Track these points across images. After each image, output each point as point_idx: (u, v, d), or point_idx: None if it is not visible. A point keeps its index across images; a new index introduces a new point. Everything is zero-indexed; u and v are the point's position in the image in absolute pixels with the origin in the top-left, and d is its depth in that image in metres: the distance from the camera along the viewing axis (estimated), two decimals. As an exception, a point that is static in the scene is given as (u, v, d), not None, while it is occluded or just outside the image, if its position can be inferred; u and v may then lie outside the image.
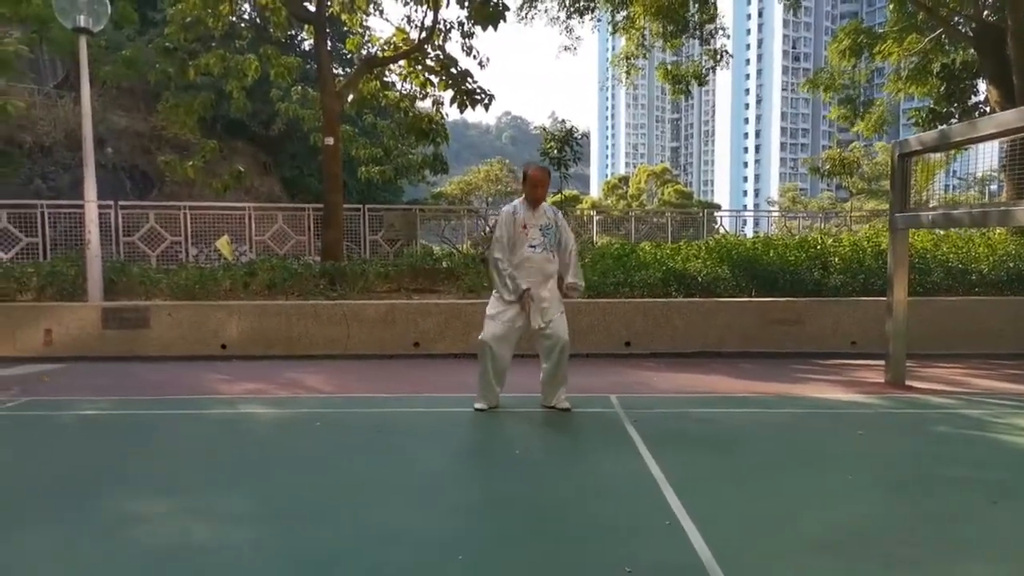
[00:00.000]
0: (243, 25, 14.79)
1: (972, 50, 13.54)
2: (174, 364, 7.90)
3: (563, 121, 12.16)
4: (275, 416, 5.65)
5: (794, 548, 3.09)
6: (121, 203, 13.06)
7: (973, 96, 14.87)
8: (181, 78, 12.35)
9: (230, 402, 6.07)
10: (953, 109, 14.54)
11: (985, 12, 12.86)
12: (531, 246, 5.44)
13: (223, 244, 11.35)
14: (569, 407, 5.58)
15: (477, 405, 5.61)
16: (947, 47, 14.73)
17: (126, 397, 6.29)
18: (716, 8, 14.21)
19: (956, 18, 13.61)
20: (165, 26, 12.37)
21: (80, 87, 8.92)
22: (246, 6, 16.61)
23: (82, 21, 8.54)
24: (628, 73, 15.56)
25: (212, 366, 7.73)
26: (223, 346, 8.33)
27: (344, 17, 13.37)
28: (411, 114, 13.51)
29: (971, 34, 12.98)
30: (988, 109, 13.27)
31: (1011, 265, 9.12)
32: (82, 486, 3.93)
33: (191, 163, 12.52)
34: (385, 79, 13.29)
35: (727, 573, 2.83)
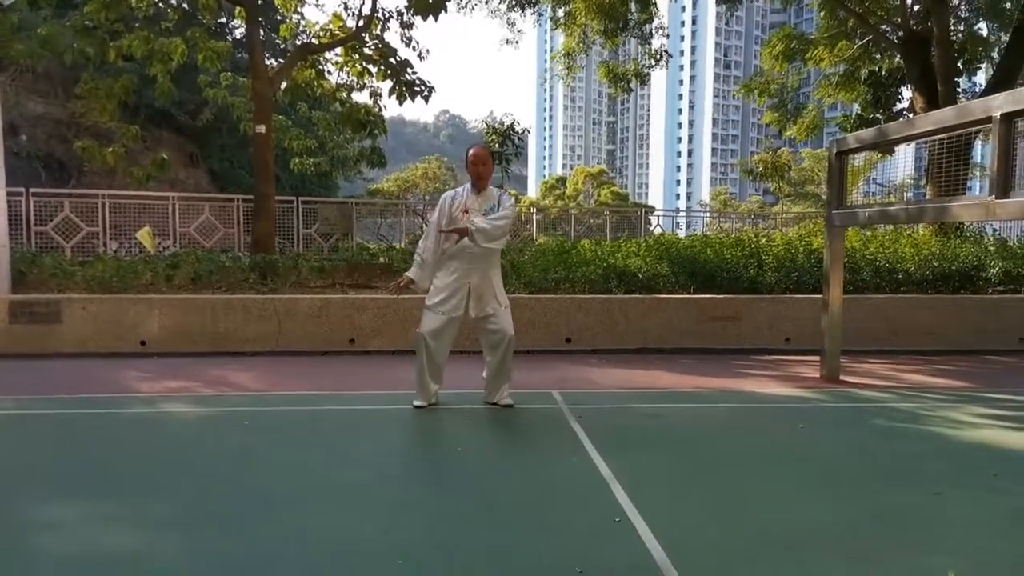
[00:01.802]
0: (169, 7, 14.07)
1: (898, 57, 14.05)
2: (89, 361, 7.38)
3: (505, 115, 12.06)
4: (199, 415, 5.30)
5: (747, 544, 3.01)
6: (33, 191, 12.25)
7: (898, 103, 15.44)
8: (101, 59, 11.65)
9: (150, 401, 5.68)
10: (879, 115, 15.03)
11: (911, 21, 13.33)
12: None
13: (144, 235, 10.74)
14: (512, 403, 5.42)
15: (416, 402, 5.39)
16: (874, 55, 15.25)
17: (35, 396, 5.81)
18: (656, 8, 14.32)
19: (884, 26, 14.09)
20: (85, 6, 11.65)
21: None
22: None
23: (-12, -9, 7.91)
24: (569, 69, 15.52)
25: (131, 363, 7.25)
26: (143, 342, 7.84)
27: (278, 2, 12.89)
28: (348, 105, 13.12)
29: (898, 42, 13.45)
30: (912, 115, 13.77)
31: (936, 264, 9.42)
32: (-24, 493, 3.55)
33: (111, 149, 11.84)
34: (320, 67, 12.86)
35: (680, 570, 2.72)
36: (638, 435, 4.81)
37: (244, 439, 4.63)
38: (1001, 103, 4.42)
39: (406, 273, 5.37)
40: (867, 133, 6.12)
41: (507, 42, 15.55)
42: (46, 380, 6.50)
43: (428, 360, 5.30)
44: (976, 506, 3.49)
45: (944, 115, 5.13)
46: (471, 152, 5.37)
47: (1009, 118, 4.35)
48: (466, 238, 5.13)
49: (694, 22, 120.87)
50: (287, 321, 8.01)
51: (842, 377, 6.83)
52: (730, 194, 75.02)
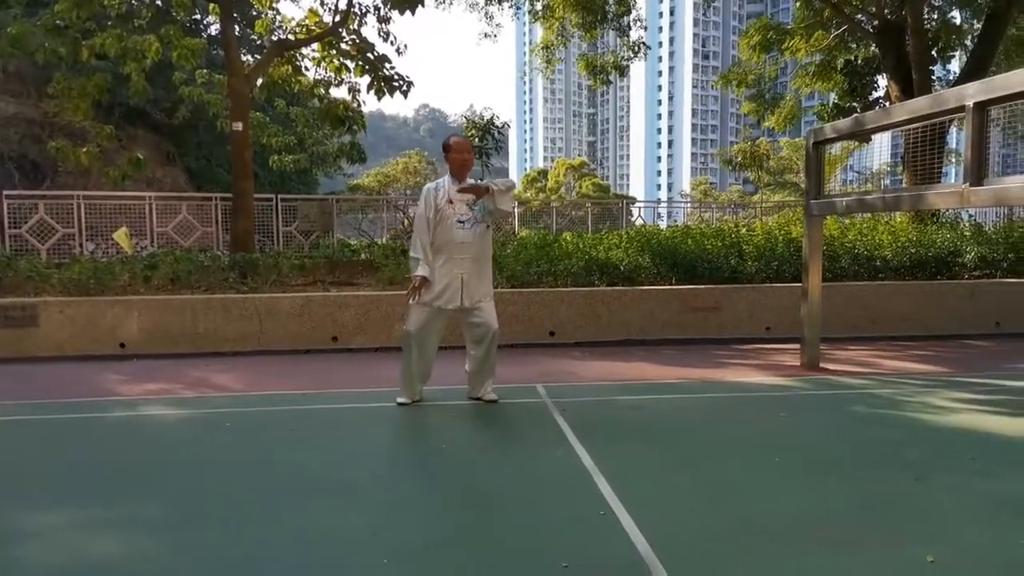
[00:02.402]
0: (143, 5, 13.85)
1: (874, 47, 14.17)
2: (67, 365, 7.29)
3: (484, 109, 12.03)
4: (181, 417, 5.25)
5: (731, 534, 3.03)
6: (7, 193, 12.05)
7: (874, 92, 15.58)
8: (74, 59, 11.47)
9: (130, 404, 5.62)
10: (856, 104, 15.17)
11: (886, 10, 13.45)
12: (459, 221, 5.13)
13: (121, 236, 10.59)
14: (496, 398, 5.42)
15: (400, 399, 5.37)
16: (850, 44, 15.37)
17: (12, 401, 5.72)
18: (634, 0, 14.34)
19: (859, 16, 14.20)
20: (56, 4, 11.43)
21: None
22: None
23: (-46, -10, 7.75)
24: (548, 62, 15.51)
25: (110, 366, 7.17)
26: (122, 344, 7.75)
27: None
28: (326, 101, 13.02)
29: (873, 31, 13.56)
30: (888, 103, 13.90)
31: (912, 251, 9.54)
32: (-47, 502, 3.49)
33: (85, 150, 11.67)
34: (298, 63, 12.74)
35: (665, 562, 2.74)
36: (621, 427, 4.83)
37: (226, 440, 4.60)
38: (974, 92, 4.47)
39: (416, 274, 5.13)
40: (844, 123, 6.17)
41: (485, 36, 15.47)
42: (24, 385, 6.41)
43: (418, 358, 5.27)
44: (955, 491, 3.55)
45: (919, 104, 5.18)
46: (454, 141, 5.30)
47: (982, 107, 4.40)
48: (456, 217, 5.13)
49: (672, 13, 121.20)
50: (268, 320, 7.95)
51: (822, 364, 6.91)
52: (711, 184, 75.50)
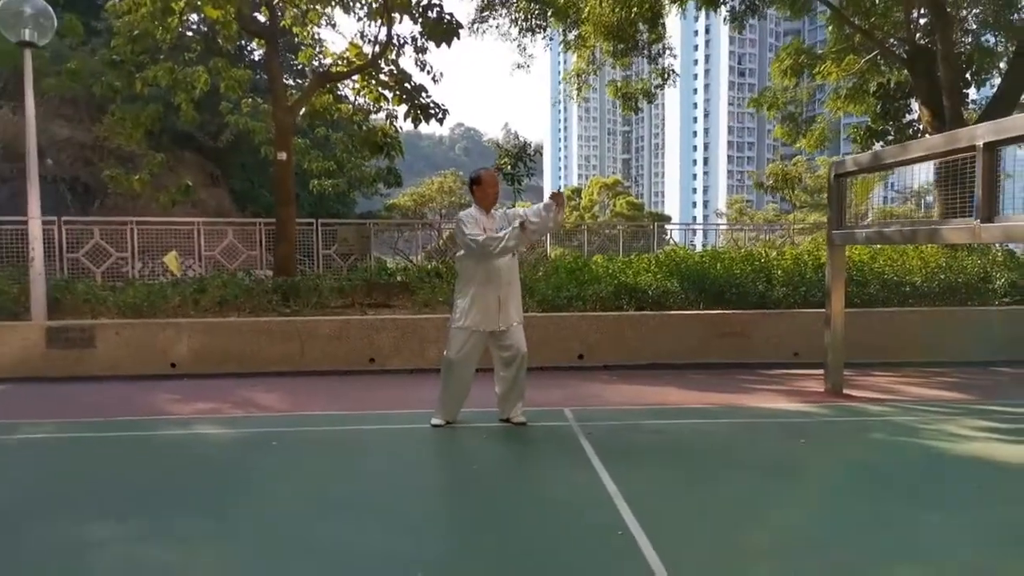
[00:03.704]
0: (192, 37, 14.55)
1: (906, 71, 14.19)
2: (122, 384, 7.74)
3: (516, 135, 12.39)
4: (229, 436, 5.61)
5: (745, 556, 3.24)
6: (65, 219, 12.72)
7: (907, 115, 15.55)
8: (128, 91, 12.12)
9: (182, 422, 6.00)
10: (888, 127, 15.19)
11: (918, 35, 13.49)
12: None
13: (171, 259, 11.13)
14: (525, 421, 5.67)
15: (434, 420, 5.66)
16: (883, 68, 15.40)
17: (72, 419, 6.16)
18: (664, 29, 14.61)
19: (891, 41, 14.25)
20: (110, 36, 12.11)
21: (24, 100, 8.70)
22: (194, 17, 16.39)
23: (27, 35, 8.35)
24: (579, 90, 15.86)
25: (161, 385, 7.60)
26: (173, 364, 8.20)
27: (296, 30, 13.32)
28: (364, 128, 13.50)
29: (905, 56, 13.60)
30: (921, 128, 13.91)
31: (942, 277, 9.56)
32: (25, 513, 3.86)
33: (137, 177, 12.28)
34: (338, 92, 13.26)
35: (676, 582, 2.96)
36: (644, 452, 5.05)
37: (272, 458, 4.93)
38: (983, 133, 4.65)
39: (525, 222, 5.33)
40: (864, 157, 6.36)
41: (519, 67, 15.89)
42: (81, 403, 6.85)
43: (457, 384, 5.56)
44: (962, 519, 3.70)
45: (933, 142, 5.36)
46: (485, 175, 5.66)
47: (991, 147, 4.57)
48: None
49: (707, 31, 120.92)
50: (309, 342, 8.33)
51: (846, 391, 7.01)
52: (747, 202, 74.71)
